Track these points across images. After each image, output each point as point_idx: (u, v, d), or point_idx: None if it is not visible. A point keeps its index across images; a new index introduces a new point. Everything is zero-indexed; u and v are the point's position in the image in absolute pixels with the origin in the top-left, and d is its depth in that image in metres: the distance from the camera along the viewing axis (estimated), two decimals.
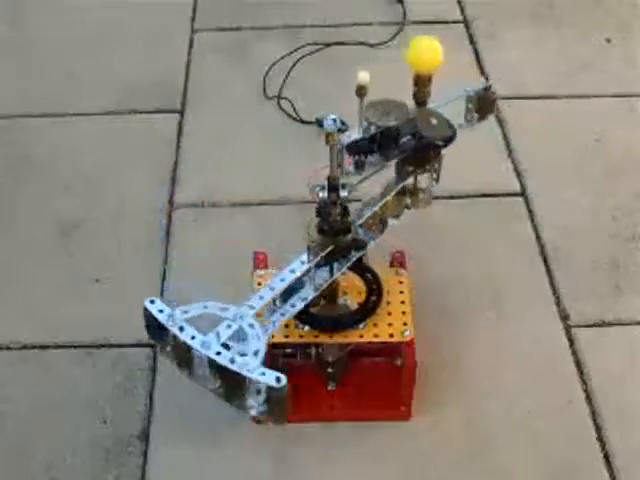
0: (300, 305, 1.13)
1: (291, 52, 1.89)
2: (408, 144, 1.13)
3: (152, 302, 1.04)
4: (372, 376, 1.25)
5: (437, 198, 1.59)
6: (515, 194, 1.60)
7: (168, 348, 1.04)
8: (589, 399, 1.28)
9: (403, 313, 1.19)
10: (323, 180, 1.09)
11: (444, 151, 1.20)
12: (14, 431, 1.25)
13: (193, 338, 1.01)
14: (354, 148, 1.11)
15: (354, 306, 1.20)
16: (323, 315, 1.19)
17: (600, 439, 1.23)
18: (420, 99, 1.20)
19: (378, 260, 1.26)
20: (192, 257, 1.49)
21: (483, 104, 1.28)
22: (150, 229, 1.54)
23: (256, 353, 1.01)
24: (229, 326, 1.04)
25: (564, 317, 1.39)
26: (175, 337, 1.01)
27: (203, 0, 2.13)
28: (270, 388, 0.96)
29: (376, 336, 1.17)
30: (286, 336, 1.17)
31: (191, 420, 1.26)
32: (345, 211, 1.10)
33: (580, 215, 1.56)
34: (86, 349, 1.35)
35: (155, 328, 1.04)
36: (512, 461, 1.21)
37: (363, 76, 1.14)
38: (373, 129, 1.13)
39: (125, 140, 1.74)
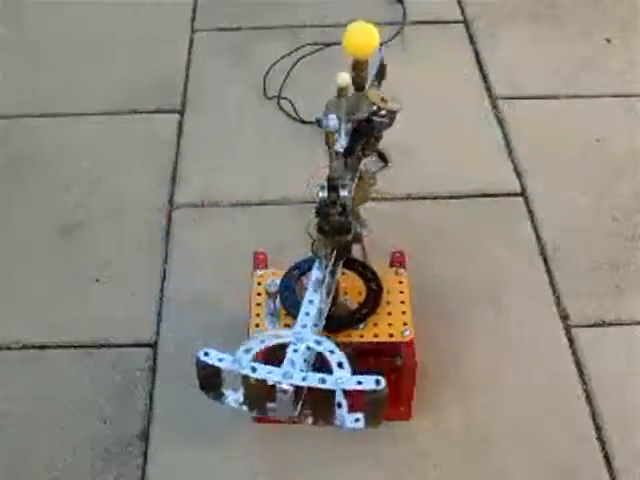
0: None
1: (291, 52, 1.89)
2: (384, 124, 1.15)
3: (206, 354, 1.01)
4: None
5: (437, 198, 1.60)
6: (515, 194, 1.60)
7: (229, 397, 1.02)
8: (589, 399, 1.28)
9: (403, 313, 1.19)
10: (323, 180, 1.09)
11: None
12: (14, 431, 1.25)
13: (270, 373, 0.98)
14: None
15: (354, 306, 1.20)
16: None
17: (600, 439, 1.23)
18: (359, 84, 1.18)
19: (378, 260, 1.26)
20: (192, 257, 1.50)
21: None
22: (150, 229, 1.55)
23: (340, 365, 0.98)
24: (296, 350, 1.02)
25: (564, 317, 1.39)
26: (247, 379, 0.99)
27: (203, 0, 2.13)
28: (371, 392, 0.95)
29: (376, 336, 1.17)
30: None
31: (191, 420, 1.26)
32: (345, 211, 1.10)
33: (580, 215, 1.56)
34: (86, 349, 1.35)
35: (212, 379, 1.01)
36: (512, 461, 1.21)
37: (343, 78, 1.14)
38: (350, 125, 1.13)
39: (125, 140, 1.74)
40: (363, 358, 1.24)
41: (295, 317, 1.17)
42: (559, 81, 1.86)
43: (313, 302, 1.09)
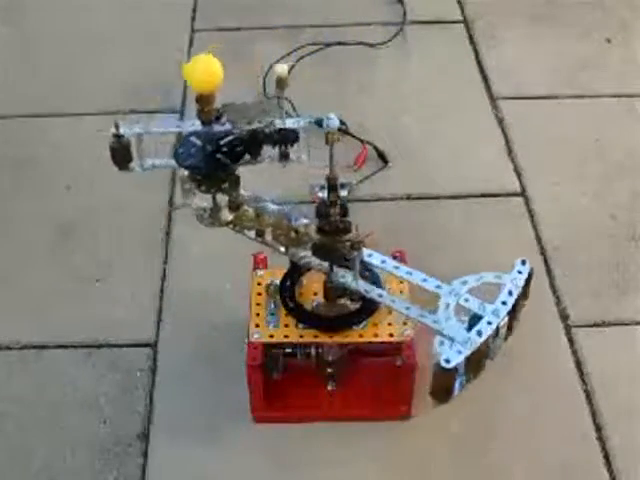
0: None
1: (291, 52, 1.89)
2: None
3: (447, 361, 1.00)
4: (372, 376, 1.25)
5: (437, 198, 1.60)
6: (515, 194, 1.60)
7: None
8: (589, 399, 1.28)
9: None
10: (323, 180, 1.09)
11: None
12: (14, 431, 1.25)
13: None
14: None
15: (354, 306, 1.20)
16: (323, 315, 1.19)
17: (600, 439, 1.23)
18: (205, 119, 1.12)
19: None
20: (192, 257, 1.49)
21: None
22: (150, 229, 1.54)
23: None
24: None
25: (564, 317, 1.39)
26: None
27: (203, 0, 2.13)
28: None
29: (376, 336, 1.17)
30: (286, 336, 1.17)
31: (191, 420, 1.26)
32: (345, 211, 1.09)
33: (580, 215, 1.56)
34: (86, 349, 1.35)
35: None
36: (512, 461, 1.21)
37: (282, 69, 1.12)
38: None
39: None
40: (363, 358, 1.25)
41: (295, 317, 1.18)
42: (559, 81, 1.86)
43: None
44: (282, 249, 1.15)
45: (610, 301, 1.41)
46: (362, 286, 1.14)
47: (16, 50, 1.99)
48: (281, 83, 1.09)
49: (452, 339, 1.01)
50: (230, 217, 1.13)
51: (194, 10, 2.10)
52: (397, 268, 1.13)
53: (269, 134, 1.07)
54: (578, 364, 1.33)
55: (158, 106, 1.81)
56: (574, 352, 1.34)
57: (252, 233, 1.15)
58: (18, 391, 1.30)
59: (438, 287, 1.10)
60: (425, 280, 1.11)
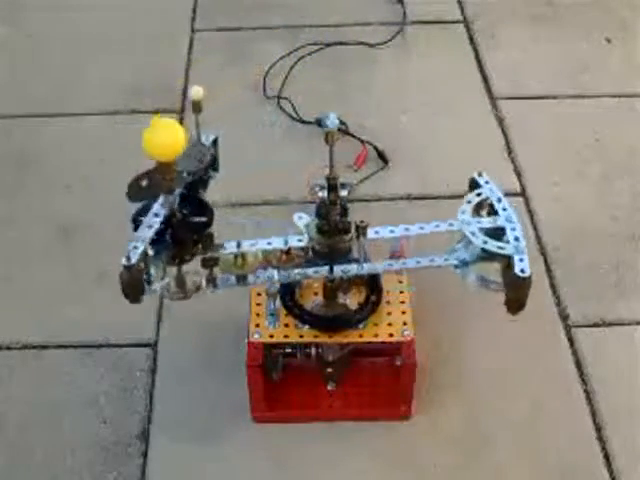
0: None
1: (291, 52, 1.89)
2: None
3: None
4: (372, 376, 1.25)
5: (437, 198, 1.60)
6: (515, 194, 1.60)
7: None
8: (589, 399, 1.28)
9: (403, 313, 1.19)
10: (323, 180, 1.09)
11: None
12: (14, 431, 1.25)
13: None
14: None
15: (354, 306, 1.20)
16: (323, 315, 1.19)
17: (600, 439, 1.23)
18: (166, 190, 1.07)
19: (378, 260, 1.26)
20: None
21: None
22: None
23: None
24: None
25: (564, 317, 1.39)
26: None
27: (203, 0, 2.13)
28: None
29: (376, 336, 1.17)
30: (286, 336, 1.17)
31: (191, 420, 1.26)
32: (345, 211, 1.10)
33: (580, 215, 1.56)
34: (86, 349, 1.35)
35: None
36: (512, 461, 1.21)
37: (196, 91, 1.07)
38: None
39: (125, 140, 1.73)
40: (363, 358, 1.25)
41: (295, 317, 1.18)
42: (559, 81, 1.86)
43: None
44: (269, 284, 1.15)
45: (610, 301, 1.41)
46: (368, 268, 1.14)
47: (17, 50, 1.99)
48: (196, 106, 1.06)
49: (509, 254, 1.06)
50: (203, 280, 1.10)
51: (194, 10, 2.10)
52: (407, 229, 1.15)
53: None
54: (578, 364, 1.33)
55: (158, 106, 1.81)
56: (574, 352, 1.34)
57: (232, 279, 1.12)
58: (18, 391, 1.30)
59: (451, 225, 1.12)
60: (437, 226, 1.13)
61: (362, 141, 1.69)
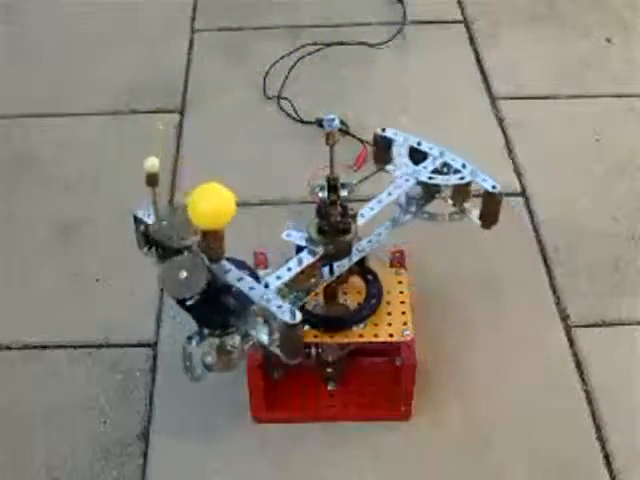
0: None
1: (291, 52, 1.89)
2: None
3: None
4: (372, 376, 1.25)
5: (437, 198, 1.60)
6: (515, 194, 1.60)
7: None
8: (589, 399, 1.28)
9: (403, 313, 1.19)
10: (323, 180, 1.09)
11: None
12: (14, 431, 1.25)
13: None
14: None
15: (354, 306, 1.20)
16: (323, 315, 1.19)
17: (600, 439, 1.23)
18: (212, 257, 1.02)
19: (378, 260, 1.26)
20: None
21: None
22: None
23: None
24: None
25: (564, 317, 1.39)
26: None
27: (203, 0, 2.13)
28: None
29: (376, 336, 1.17)
30: None
31: (191, 420, 1.26)
32: (345, 211, 1.10)
33: (580, 215, 1.56)
34: (86, 349, 1.35)
35: None
36: (512, 461, 1.21)
37: (152, 163, 1.00)
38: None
39: (125, 140, 1.74)
40: (363, 358, 1.25)
41: None
42: (559, 81, 1.86)
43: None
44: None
45: (610, 301, 1.41)
46: (365, 246, 1.16)
47: (16, 50, 1.99)
48: (152, 179, 1.00)
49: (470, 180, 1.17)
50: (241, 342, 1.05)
51: (194, 10, 2.10)
52: (380, 201, 1.17)
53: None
54: (578, 364, 1.33)
55: (158, 106, 1.81)
56: (574, 352, 1.34)
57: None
58: (18, 391, 1.30)
59: (407, 180, 1.17)
60: (399, 186, 1.17)
61: (362, 141, 1.69)
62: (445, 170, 1.20)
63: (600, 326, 1.38)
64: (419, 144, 1.21)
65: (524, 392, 1.29)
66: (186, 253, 1.02)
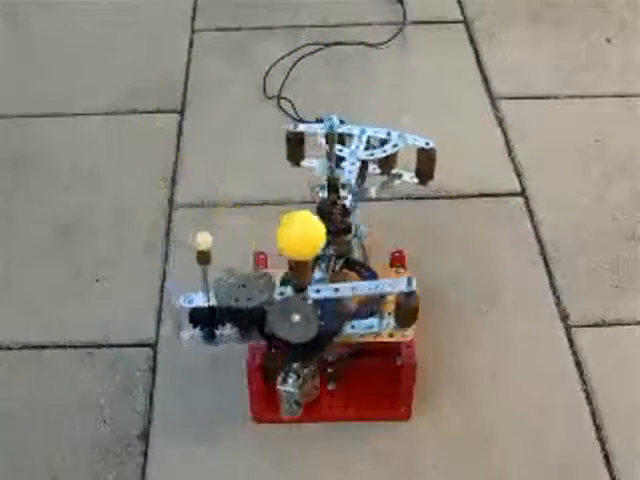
0: None
1: (291, 52, 1.89)
2: (255, 335, 1.03)
3: None
4: (372, 376, 1.25)
5: (437, 198, 1.60)
6: (515, 194, 1.60)
7: None
8: (589, 399, 1.28)
9: None
10: (323, 180, 1.09)
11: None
12: (14, 431, 1.25)
13: None
14: (195, 316, 1.04)
15: (354, 306, 1.20)
16: None
17: (600, 439, 1.23)
18: (298, 286, 1.02)
19: (378, 260, 1.26)
20: (192, 257, 1.49)
21: (404, 311, 1.09)
22: (150, 229, 1.55)
23: None
24: None
25: (564, 317, 1.39)
26: None
27: (203, 0, 2.13)
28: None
29: (376, 336, 1.17)
30: None
31: (191, 420, 1.26)
32: (345, 211, 1.10)
33: (580, 215, 1.56)
34: (86, 349, 1.35)
35: None
36: (512, 461, 1.21)
37: (204, 239, 0.97)
38: (223, 303, 1.02)
39: (125, 140, 1.74)
40: (363, 358, 1.25)
41: None
42: (559, 81, 1.86)
43: None
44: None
45: (610, 301, 1.41)
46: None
47: (16, 50, 1.99)
48: (204, 258, 0.98)
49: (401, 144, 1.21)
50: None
51: (194, 10, 2.10)
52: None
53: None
54: (578, 364, 1.33)
55: (158, 106, 1.81)
56: (574, 352, 1.34)
57: None
58: (18, 391, 1.30)
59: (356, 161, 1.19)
60: (353, 164, 1.18)
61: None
62: (374, 143, 1.21)
63: (600, 326, 1.38)
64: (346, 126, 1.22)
65: (524, 392, 1.29)
66: (293, 295, 1.02)
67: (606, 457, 1.21)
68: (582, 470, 1.20)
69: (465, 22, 2.04)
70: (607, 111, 1.78)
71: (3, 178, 1.66)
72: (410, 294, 1.04)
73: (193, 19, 2.07)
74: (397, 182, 1.20)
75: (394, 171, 1.20)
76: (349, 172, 1.15)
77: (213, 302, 1.00)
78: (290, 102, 1.79)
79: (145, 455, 1.22)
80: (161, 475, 1.20)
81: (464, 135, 1.72)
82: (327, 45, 1.93)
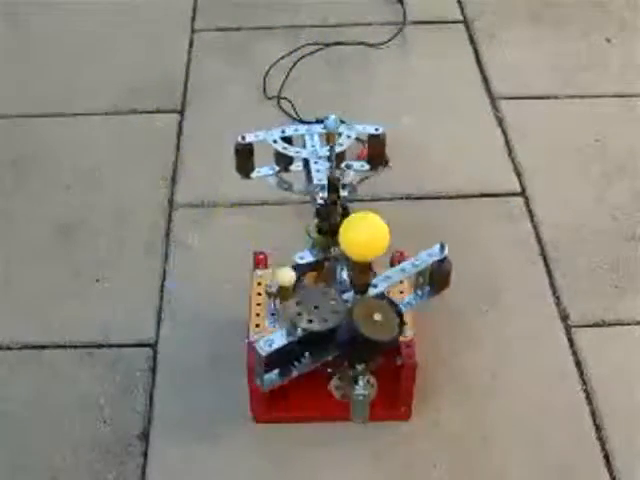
0: None
1: (291, 52, 1.90)
2: (344, 345, 1.02)
3: None
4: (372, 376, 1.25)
5: (438, 198, 1.60)
6: (515, 194, 1.60)
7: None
8: (589, 399, 1.28)
9: None
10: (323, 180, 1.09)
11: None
12: (14, 431, 1.25)
13: None
14: (277, 358, 1.03)
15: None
16: None
17: (600, 439, 1.23)
18: (360, 288, 1.03)
19: (378, 260, 1.26)
20: (192, 257, 1.50)
21: (438, 277, 1.13)
22: (150, 229, 1.55)
23: None
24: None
25: (564, 317, 1.39)
26: None
27: (203, 0, 2.13)
28: None
29: None
30: None
31: (191, 420, 1.26)
32: (345, 211, 1.10)
33: (580, 215, 1.56)
34: (86, 349, 1.35)
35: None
36: (512, 461, 1.21)
37: (289, 276, 0.97)
38: (299, 331, 1.02)
39: (125, 140, 1.74)
40: None
41: None
42: (559, 81, 1.86)
43: None
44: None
45: (610, 301, 1.41)
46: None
47: (16, 50, 1.99)
48: (285, 294, 0.99)
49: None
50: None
51: (194, 10, 2.10)
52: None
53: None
54: (578, 364, 1.33)
55: (158, 106, 1.81)
56: (574, 352, 1.34)
57: None
58: (18, 391, 1.30)
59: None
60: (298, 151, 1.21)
61: (362, 141, 1.69)
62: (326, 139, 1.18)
63: (600, 326, 1.38)
64: (284, 132, 1.22)
65: (524, 392, 1.29)
66: (368, 297, 1.03)
67: (606, 457, 1.21)
68: (582, 470, 1.20)
69: (465, 22, 2.04)
70: (607, 111, 1.78)
71: (3, 178, 1.66)
72: (443, 260, 1.10)
73: (193, 19, 2.07)
74: (351, 173, 1.20)
75: (343, 164, 1.21)
76: (317, 171, 1.16)
77: (290, 338, 1.00)
78: (290, 102, 1.79)
79: (145, 455, 1.22)
80: (161, 475, 1.20)
81: (464, 135, 1.72)
82: (327, 45, 1.93)
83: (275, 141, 1.20)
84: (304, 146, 1.20)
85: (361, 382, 1.05)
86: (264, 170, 1.22)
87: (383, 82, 1.88)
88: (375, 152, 1.22)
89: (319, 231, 1.10)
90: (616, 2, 2.08)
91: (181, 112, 1.80)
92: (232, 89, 1.86)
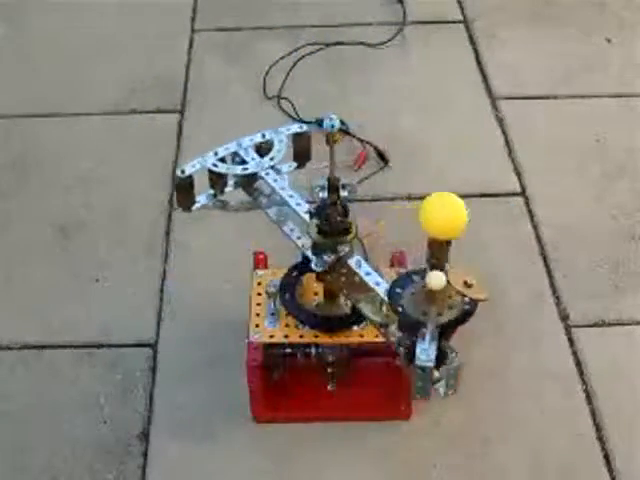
0: None
1: (291, 52, 1.90)
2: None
3: None
4: (372, 376, 1.25)
5: None
6: (515, 194, 1.60)
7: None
8: (589, 399, 1.28)
9: None
10: (323, 180, 1.09)
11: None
12: (14, 431, 1.25)
13: None
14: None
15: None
16: (323, 315, 1.19)
17: (600, 439, 1.23)
18: (435, 265, 1.00)
19: (378, 260, 1.26)
20: (192, 257, 1.49)
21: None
22: (150, 229, 1.55)
23: None
24: None
25: (564, 317, 1.39)
26: None
27: (203, 0, 2.13)
28: None
29: (376, 336, 1.17)
30: (286, 336, 1.17)
31: (191, 420, 1.26)
32: (345, 211, 1.09)
33: (580, 215, 1.56)
34: (86, 349, 1.35)
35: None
36: (512, 461, 1.21)
37: (438, 280, 0.94)
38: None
39: (125, 140, 1.74)
40: (363, 358, 1.25)
41: (295, 317, 1.18)
42: (559, 81, 1.86)
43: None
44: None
45: (610, 301, 1.41)
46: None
47: (16, 50, 1.99)
48: (434, 297, 0.96)
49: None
50: None
51: (194, 10, 2.10)
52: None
53: None
54: (578, 364, 1.33)
55: (158, 106, 1.81)
56: (574, 352, 1.34)
57: None
58: (18, 391, 1.30)
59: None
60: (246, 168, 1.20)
61: (362, 141, 1.69)
62: (261, 150, 1.21)
63: (600, 326, 1.38)
64: (216, 154, 1.23)
65: (524, 392, 1.29)
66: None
67: (606, 457, 1.21)
68: (582, 470, 1.20)
69: (465, 22, 2.04)
70: (607, 111, 1.78)
71: (3, 178, 1.66)
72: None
73: (193, 19, 2.07)
74: (284, 171, 1.21)
75: (273, 168, 1.21)
76: (274, 181, 1.18)
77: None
78: (290, 102, 1.79)
79: (145, 455, 1.22)
80: (161, 475, 1.20)
81: (464, 135, 1.72)
82: (327, 45, 1.93)
83: (215, 165, 1.19)
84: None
85: (452, 354, 1.00)
86: (202, 199, 1.20)
87: (383, 82, 1.88)
88: (301, 150, 1.22)
89: (319, 231, 1.10)
90: (616, 2, 2.08)
91: (181, 112, 1.80)
92: (232, 89, 1.86)
